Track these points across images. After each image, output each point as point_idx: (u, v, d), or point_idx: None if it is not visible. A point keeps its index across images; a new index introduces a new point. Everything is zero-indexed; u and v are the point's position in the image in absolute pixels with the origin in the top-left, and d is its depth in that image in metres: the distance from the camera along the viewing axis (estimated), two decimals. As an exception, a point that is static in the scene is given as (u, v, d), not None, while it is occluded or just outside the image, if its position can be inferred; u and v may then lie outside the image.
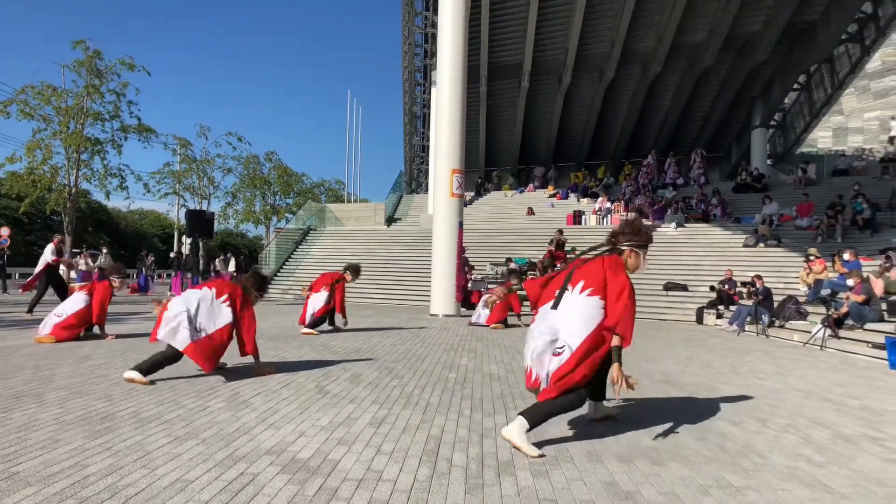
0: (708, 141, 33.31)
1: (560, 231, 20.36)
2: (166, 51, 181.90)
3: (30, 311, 11.73)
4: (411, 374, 6.20)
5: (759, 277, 13.66)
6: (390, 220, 29.37)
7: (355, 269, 10.61)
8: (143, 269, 26.04)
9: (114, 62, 21.29)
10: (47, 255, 11.86)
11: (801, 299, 13.31)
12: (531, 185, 31.44)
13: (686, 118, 32.44)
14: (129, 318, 11.89)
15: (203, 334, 5.38)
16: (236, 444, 3.54)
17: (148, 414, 4.18)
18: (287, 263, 25.48)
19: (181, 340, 5.26)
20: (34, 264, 13.23)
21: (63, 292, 11.90)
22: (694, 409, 5.03)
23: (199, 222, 20.65)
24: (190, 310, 5.38)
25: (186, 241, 34.65)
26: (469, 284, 17.51)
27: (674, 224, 21.64)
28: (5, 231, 29.41)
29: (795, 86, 32.53)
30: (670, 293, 17.02)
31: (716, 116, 32.13)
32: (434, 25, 28.30)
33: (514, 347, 8.80)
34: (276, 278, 24.14)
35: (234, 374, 5.79)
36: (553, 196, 28.54)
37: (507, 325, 12.19)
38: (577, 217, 24.32)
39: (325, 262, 24.55)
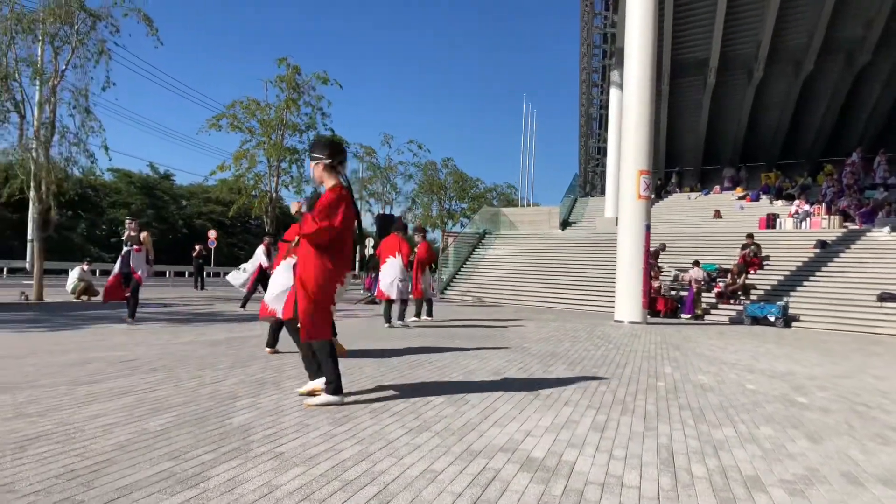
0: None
1: (750, 235, 19.07)
2: (352, 63, 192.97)
3: (243, 306, 12.94)
4: (617, 381, 6.05)
5: None
6: (565, 224, 29.06)
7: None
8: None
9: (310, 76, 22.82)
10: (260, 256, 12.89)
11: None
12: (717, 187, 29.75)
13: (899, 111, 29.22)
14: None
15: None
16: (469, 440, 3.62)
17: (378, 405, 4.40)
18: (464, 267, 25.99)
19: None
20: (234, 264, 14.50)
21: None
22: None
23: (387, 225, 21.57)
24: None
25: (370, 242, 36.43)
26: (662, 290, 16.90)
27: (886, 229, 19.52)
28: (213, 234, 32.64)
29: None
30: (885, 304, 15.38)
31: (935, 108, 28.67)
32: (613, 25, 27.75)
33: (715, 357, 8.34)
34: (453, 281, 24.73)
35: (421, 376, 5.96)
36: (742, 198, 26.79)
37: None
38: (770, 220, 22.65)
39: (500, 266, 24.79)
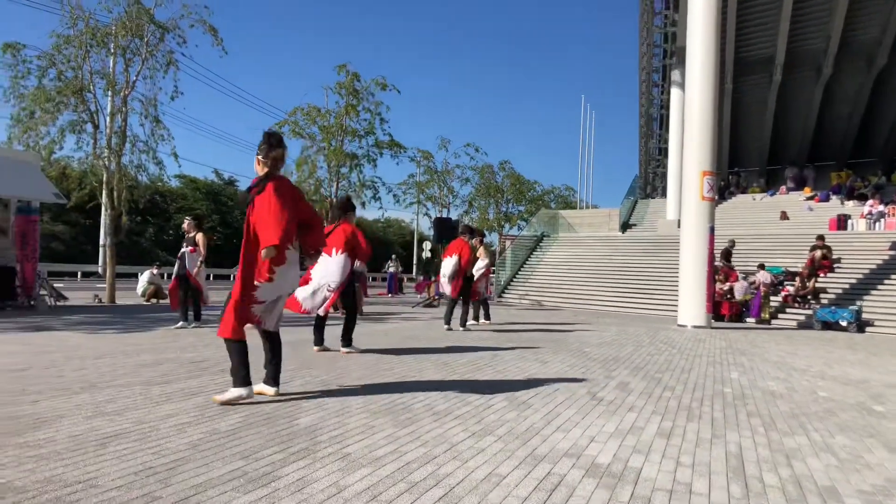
0: None
1: (821, 237, 18.41)
2: (410, 65, 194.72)
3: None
4: (682, 387, 5.93)
5: None
6: (625, 226, 28.62)
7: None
8: (392, 272, 27.99)
9: (368, 82, 23.10)
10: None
11: None
12: (783, 187, 28.85)
13: None
14: (389, 318, 12.79)
15: None
16: (532, 444, 3.61)
17: (440, 408, 4.43)
18: (522, 270, 25.87)
19: None
20: None
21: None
22: None
23: (445, 228, 21.68)
24: None
25: (427, 245, 36.62)
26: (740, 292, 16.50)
27: (967, 229, 18.63)
28: (276, 237, 33.32)
29: None
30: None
31: None
32: (674, 24, 27.23)
33: (784, 363, 8.09)
34: (511, 284, 24.65)
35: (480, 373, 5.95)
36: (811, 198, 25.90)
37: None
38: (841, 222, 21.82)
39: (558, 269, 24.58)
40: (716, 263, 16.72)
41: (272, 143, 4.44)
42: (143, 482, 2.70)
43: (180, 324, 9.55)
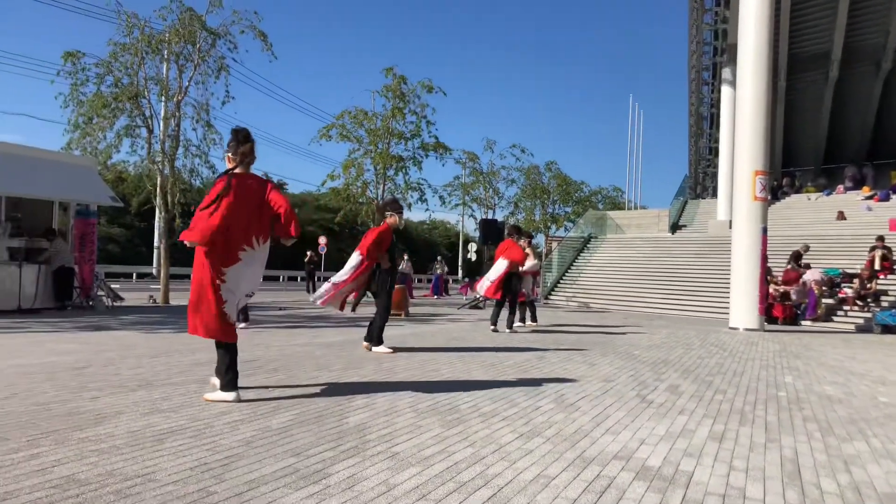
0: None
1: (881, 238, 17.78)
2: (457, 67, 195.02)
3: (353, 308, 13.38)
4: (734, 390, 5.80)
5: None
6: (675, 227, 28.15)
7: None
8: (438, 274, 28.07)
9: (415, 85, 23.18)
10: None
11: None
12: (840, 187, 27.97)
13: None
14: (435, 319, 12.83)
15: None
16: (581, 446, 3.58)
17: (487, 409, 4.42)
18: (569, 271, 25.66)
19: None
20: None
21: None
22: None
23: (491, 230, 21.63)
24: None
25: (472, 247, 36.62)
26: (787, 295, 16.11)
27: None
28: (323, 240, 33.77)
29: None
30: None
31: None
32: (725, 21, 26.69)
33: (842, 367, 7.85)
34: (558, 286, 24.47)
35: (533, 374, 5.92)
36: (870, 198, 25.05)
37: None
38: (902, 222, 21.04)
39: (606, 270, 24.32)
40: (787, 266, 16.33)
41: (239, 139, 4.44)
42: (199, 477, 2.77)
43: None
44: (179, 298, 16.67)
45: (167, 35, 15.63)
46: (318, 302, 7.13)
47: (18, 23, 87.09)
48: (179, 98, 15.80)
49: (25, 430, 3.43)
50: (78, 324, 9.72)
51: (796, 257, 17.41)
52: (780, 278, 16.73)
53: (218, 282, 4.28)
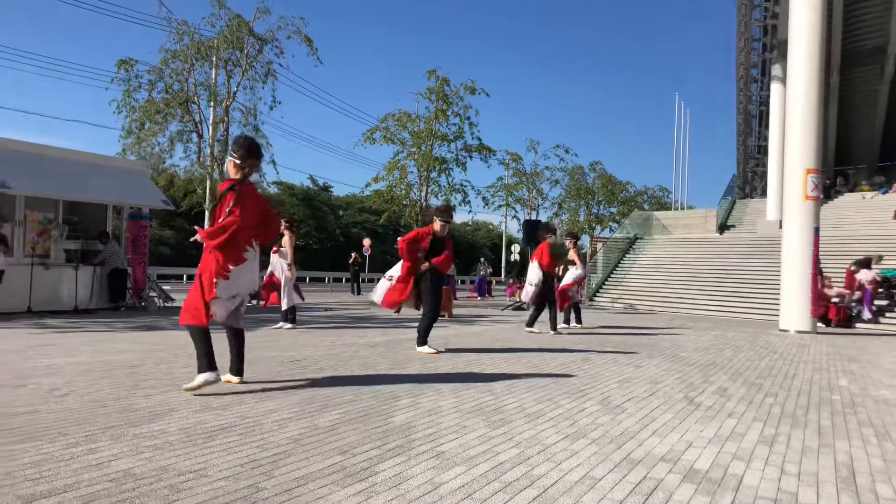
0: None
1: (940, 238, 17.16)
2: (499, 68, 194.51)
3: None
4: (785, 393, 5.68)
5: None
6: (723, 228, 27.60)
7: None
8: (482, 275, 28.07)
9: (458, 87, 23.24)
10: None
11: None
12: (896, 185, 27.08)
13: None
14: (479, 321, 12.84)
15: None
16: (627, 448, 3.55)
17: (532, 410, 4.42)
18: (614, 272, 25.37)
19: None
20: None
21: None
22: None
23: (534, 231, 21.52)
24: None
25: (515, 248, 36.51)
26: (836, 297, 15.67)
27: None
28: (367, 242, 34.07)
29: None
30: None
31: None
32: (775, 17, 26.08)
33: (900, 371, 7.61)
34: (603, 287, 24.20)
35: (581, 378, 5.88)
36: (928, 197, 24.24)
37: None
38: (963, 221, 20.29)
39: (652, 271, 23.97)
40: (851, 269, 15.87)
41: (252, 152, 4.68)
42: (249, 474, 2.83)
43: (280, 324, 9.86)
44: (228, 299, 17.00)
45: (216, 41, 16.00)
46: (378, 302, 7.61)
47: (75, 32, 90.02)
48: (228, 103, 16.17)
49: (83, 425, 3.56)
50: (131, 324, 10.00)
51: (865, 264, 16.63)
52: (830, 280, 16.24)
53: (219, 278, 4.49)
